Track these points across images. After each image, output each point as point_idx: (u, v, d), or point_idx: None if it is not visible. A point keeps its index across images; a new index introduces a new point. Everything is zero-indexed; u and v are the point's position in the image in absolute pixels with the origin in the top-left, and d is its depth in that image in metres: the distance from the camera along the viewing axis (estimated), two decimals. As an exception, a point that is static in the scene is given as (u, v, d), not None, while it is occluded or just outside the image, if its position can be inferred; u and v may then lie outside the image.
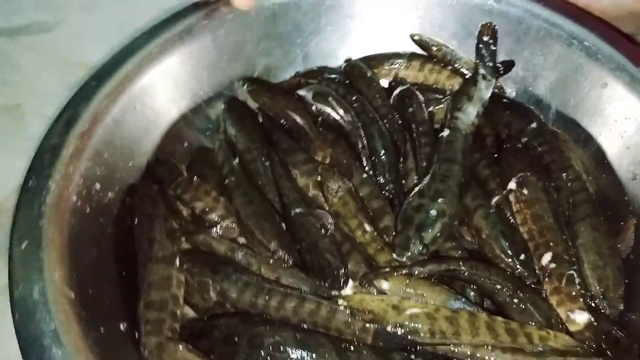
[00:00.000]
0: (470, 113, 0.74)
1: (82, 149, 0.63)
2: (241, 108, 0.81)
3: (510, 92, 0.82)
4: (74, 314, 0.53)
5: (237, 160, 0.73)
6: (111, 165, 0.67)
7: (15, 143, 0.89)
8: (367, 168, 0.75)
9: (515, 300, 0.60)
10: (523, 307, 0.59)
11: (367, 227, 0.67)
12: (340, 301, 0.59)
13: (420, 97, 0.80)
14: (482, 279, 0.61)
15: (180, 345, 0.56)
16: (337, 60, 0.87)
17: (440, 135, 0.72)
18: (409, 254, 0.62)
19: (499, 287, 0.60)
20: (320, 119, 0.80)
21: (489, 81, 0.76)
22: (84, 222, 0.61)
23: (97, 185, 0.65)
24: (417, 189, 0.67)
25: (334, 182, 0.70)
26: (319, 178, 0.72)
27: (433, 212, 0.64)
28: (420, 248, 0.62)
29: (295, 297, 0.60)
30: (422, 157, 0.74)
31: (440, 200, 0.65)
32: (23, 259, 0.54)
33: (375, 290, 0.62)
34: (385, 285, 0.60)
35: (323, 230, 0.65)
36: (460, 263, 0.62)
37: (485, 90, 0.75)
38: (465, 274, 0.61)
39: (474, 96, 0.74)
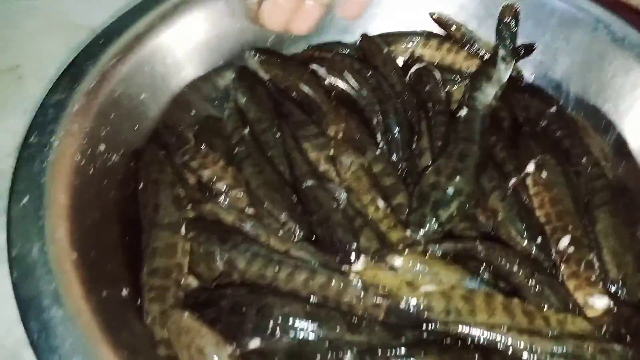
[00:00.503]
0: (488, 94, 0.72)
1: (87, 107, 0.61)
2: (252, 78, 0.78)
3: (529, 76, 0.80)
4: (76, 276, 0.50)
5: (247, 129, 0.70)
6: (117, 127, 0.65)
7: (14, 104, 0.87)
8: (381, 144, 0.73)
9: (532, 283, 0.58)
10: (540, 289, 0.57)
11: (380, 204, 0.64)
12: (353, 275, 0.57)
13: (438, 75, 0.78)
14: (499, 260, 0.59)
15: (185, 313, 0.53)
16: (353, 36, 0.85)
17: (458, 114, 0.71)
18: (424, 231, 0.60)
19: (515, 268, 0.58)
20: (333, 93, 0.78)
21: (509, 63, 0.73)
22: (88, 182, 0.59)
23: (102, 146, 0.62)
24: (433, 166, 0.66)
25: (347, 156, 0.68)
26: (331, 152, 0.70)
27: (450, 190, 0.63)
28: (436, 226, 0.61)
29: (306, 269, 0.57)
30: (437, 136, 0.72)
31: (457, 178, 0.63)
32: (22, 216, 0.52)
33: (387, 267, 0.59)
34: (397, 262, 0.58)
35: (335, 204, 0.63)
36: (477, 243, 0.60)
37: (504, 72, 0.73)
38: (482, 254, 0.59)
39: (493, 77, 0.73)
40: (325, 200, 0.63)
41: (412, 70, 0.79)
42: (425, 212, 0.61)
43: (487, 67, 0.74)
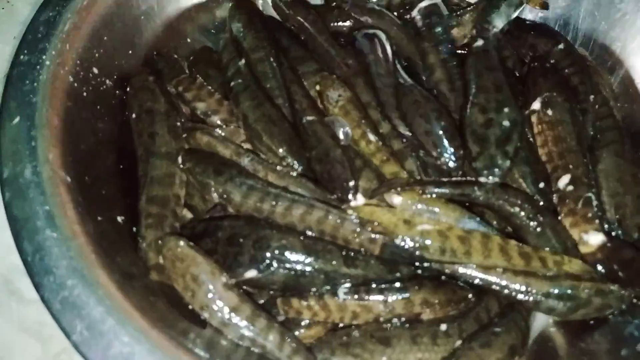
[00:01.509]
0: (499, 24, 0.70)
1: (79, 26, 0.58)
2: (250, 6, 0.75)
3: (537, 13, 0.77)
4: (70, 198, 0.49)
5: (243, 61, 0.67)
6: (110, 50, 0.62)
7: (3, 30, 0.83)
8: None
9: (533, 224, 0.57)
10: (541, 230, 0.57)
11: (372, 137, 0.63)
12: (350, 212, 0.56)
13: (445, 12, 0.74)
14: (500, 202, 0.58)
15: (181, 241, 0.53)
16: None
17: (475, 45, 0.68)
18: (499, 172, 0.58)
19: (517, 209, 0.57)
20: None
21: None
22: (81, 105, 0.57)
23: (95, 69, 0.60)
24: (473, 104, 0.62)
25: (334, 90, 0.66)
26: (317, 87, 0.67)
27: (506, 123, 0.60)
28: (508, 163, 0.58)
29: (303, 203, 0.56)
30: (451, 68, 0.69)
31: (506, 109, 0.61)
32: (14, 135, 0.50)
33: (386, 204, 0.59)
34: (396, 199, 0.57)
35: (334, 140, 0.61)
36: (476, 188, 0.58)
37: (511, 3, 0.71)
38: (481, 198, 0.58)
39: (501, 8, 0.70)
40: (325, 136, 0.61)
41: (422, 5, 0.76)
42: (491, 153, 0.58)
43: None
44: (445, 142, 0.61)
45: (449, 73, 0.68)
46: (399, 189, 0.57)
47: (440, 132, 0.61)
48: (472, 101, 0.62)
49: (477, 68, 0.65)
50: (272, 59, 0.68)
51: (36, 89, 0.52)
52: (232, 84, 0.66)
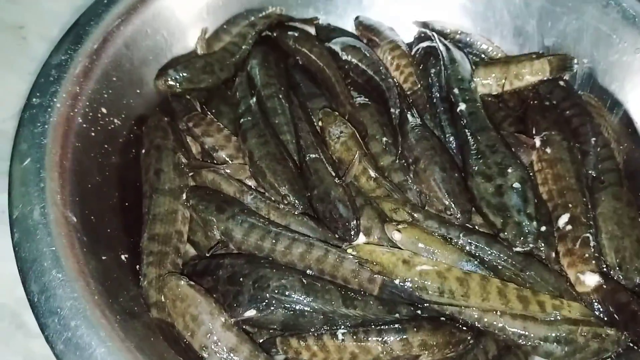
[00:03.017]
0: (467, 79, 0.72)
1: (90, 69, 0.60)
2: (267, 46, 0.77)
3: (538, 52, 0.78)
4: (76, 239, 0.51)
5: (254, 99, 0.69)
6: (119, 90, 0.64)
7: (18, 65, 0.86)
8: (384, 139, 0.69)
9: (521, 279, 0.57)
10: (529, 284, 0.57)
11: (372, 173, 0.64)
12: (350, 250, 0.57)
13: (445, 53, 0.76)
14: (485, 256, 0.58)
15: (182, 281, 0.54)
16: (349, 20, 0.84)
17: (459, 110, 0.69)
18: (532, 237, 0.57)
19: (502, 266, 0.58)
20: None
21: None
22: (89, 145, 0.59)
23: (104, 109, 0.62)
24: (475, 175, 0.62)
25: (336, 126, 0.67)
26: (320, 123, 0.69)
27: (516, 185, 0.60)
28: (535, 224, 0.57)
29: (303, 242, 0.58)
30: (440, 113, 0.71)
31: (510, 169, 0.61)
32: (24, 177, 0.52)
33: (379, 238, 0.60)
34: (397, 236, 0.58)
35: (336, 179, 0.63)
36: (460, 234, 0.59)
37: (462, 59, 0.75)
38: (459, 243, 0.59)
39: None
40: (327, 174, 0.63)
41: (421, 45, 0.78)
42: (517, 221, 0.58)
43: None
44: (456, 197, 0.61)
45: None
46: (399, 225, 0.59)
47: (453, 185, 0.62)
48: (473, 169, 0.62)
49: (467, 133, 0.66)
50: (281, 96, 0.70)
51: (47, 131, 0.54)
52: (242, 120, 0.68)
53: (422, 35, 0.81)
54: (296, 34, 0.79)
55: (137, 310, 0.54)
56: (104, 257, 0.53)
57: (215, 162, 0.68)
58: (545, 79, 0.73)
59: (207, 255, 0.61)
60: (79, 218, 0.53)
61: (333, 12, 0.83)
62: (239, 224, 0.59)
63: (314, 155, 0.65)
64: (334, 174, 0.63)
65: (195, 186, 0.64)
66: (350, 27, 0.83)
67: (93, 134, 0.59)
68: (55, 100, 0.56)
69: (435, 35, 0.79)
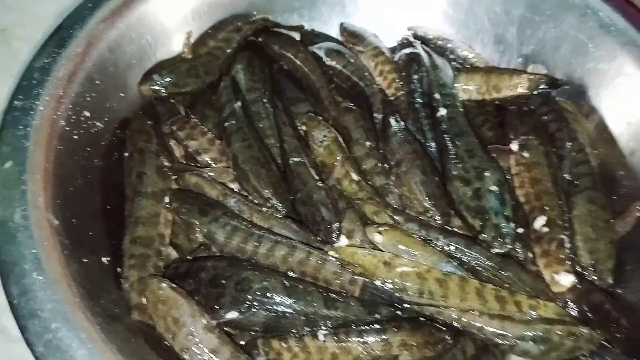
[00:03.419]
0: (448, 85, 0.74)
1: (74, 72, 0.60)
2: (252, 51, 0.78)
3: (517, 59, 0.80)
4: (57, 241, 0.51)
5: (239, 103, 0.70)
6: (102, 94, 0.64)
7: (2, 67, 0.85)
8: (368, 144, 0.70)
9: (498, 280, 0.58)
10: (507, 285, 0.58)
11: (354, 177, 0.65)
12: (332, 253, 0.57)
13: (427, 60, 0.77)
14: (464, 257, 0.59)
15: (163, 283, 0.54)
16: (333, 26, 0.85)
17: (439, 115, 0.70)
18: (509, 238, 0.59)
19: (480, 267, 0.59)
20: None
21: None
22: (71, 149, 0.59)
23: (87, 113, 0.62)
24: (454, 179, 0.64)
25: (319, 130, 0.68)
26: (304, 127, 0.70)
27: (493, 188, 0.62)
28: (513, 225, 0.59)
29: (285, 245, 0.58)
30: (422, 118, 0.72)
31: (486, 173, 0.63)
32: (5, 180, 0.52)
33: (362, 240, 0.60)
34: (378, 238, 0.59)
35: (319, 182, 0.63)
36: (440, 237, 0.60)
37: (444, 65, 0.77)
38: (439, 245, 0.59)
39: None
40: (309, 178, 0.63)
41: (404, 52, 0.79)
42: (494, 223, 0.60)
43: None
44: (436, 200, 0.63)
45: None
46: (380, 228, 0.60)
47: (433, 188, 0.64)
48: (452, 173, 0.64)
49: (447, 138, 0.67)
50: (265, 100, 0.71)
51: (29, 133, 0.54)
52: (226, 124, 0.69)
53: (405, 42, 0.83)
54: (281, 40, 0.80)
55: (119, 312, 0.54)
56: (85, 260, 0.53)
57: (198, 165, 0.68)
58: (521, 94, 0.74)
59: (190, 258, 0.61)
60: (61, 221, 0.53)
61: (317, 19, 0.84)
62: (222, 227, 0.60)
63: (297, 159, 0.65)
64: (316, 178, 0.64)
65: (178, 189, 0.65)
66: (334, 33, 0.84)
67: (76, 137, 0.60)
68: (38, 103, 0.56)
69: (418, 42, 0.80)
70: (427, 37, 0.83)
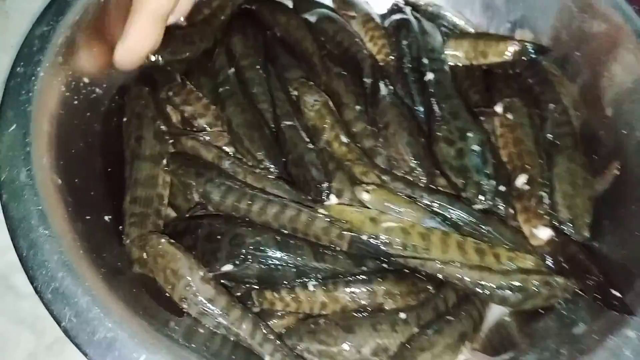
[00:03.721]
0: (437, 50, 0.76)
1: (72, 40, 0.63)
2: (246, 18, 0.80)
3: (505, 24, 0.82)
4: (61, 199, 0.54)
5: (232, 70, 0.72)
6: (100, 60, 0.67)
7: (2, 38, 0.87)
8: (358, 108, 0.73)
9: (478, 234, 0.61)
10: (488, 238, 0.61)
11: (344, 139, 0.67)
12: (321, 210, 0.60)
13: (416, 27, 0.79)
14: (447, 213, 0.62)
15: (163, 239, 0.58)
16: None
17: (427, 79, 0.72)
18: (489, 195, 0.62)
19: (463, 222, 0.62)
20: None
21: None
22: (72, 113, 0.61)
23: (86, 79, 0.64)
24: (439, 139, 0.66)
25: (311, 95, 0.71)
26: (295, 92, 0.72)
27: (475, 147, 0.64)
28: (494, 183, 0.62)
29: (277, 203, 0.61)
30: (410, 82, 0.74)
31: (469, 133, 0.65)
32: (10, 142, 0.55)
33: (351, 199, 0.63)
34: (365, 196, 0.62)
35: (310, 145, 0.66)
36: (425, 194, 0.62)
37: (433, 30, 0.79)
38: (424, 202, 0.62)
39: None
40: (300, 140, 0.66)
41: (393, 17, 0.81)
42: (476, 180, 0.62)
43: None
44: (421, 160, 0.66)
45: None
46: (368, 187, 0.62)
47: (419, 149, 0.66)
48: (437, 135, 0.66)
49: (433, 101, 0.70)
50: (259, 67, 0.73)
51: (31, 98, 0.57)
52: (221, 90, 0.71)
53: (395, 7, 0.84)
54: (274, 7, 0.81)
55: (121, 266, 0.58)
56: (88, 217, 0.57)
57: (195, 129, 0.71)
58: (506, 60, 0.76)
59: (187, 216, 0.65)
60: (64, 181, 0.56)
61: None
62: (217, 187, 0.63)
63: (289, 123, 0.68)
64: (307, 140, 0.66)
65: (175, 152, 0.68)
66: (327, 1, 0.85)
67: (76, 102, 0.62)
68: (39, 69, 0.59)
69: (408, 8, 0.82)
70: (418, 3, 0.85)
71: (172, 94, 0.71)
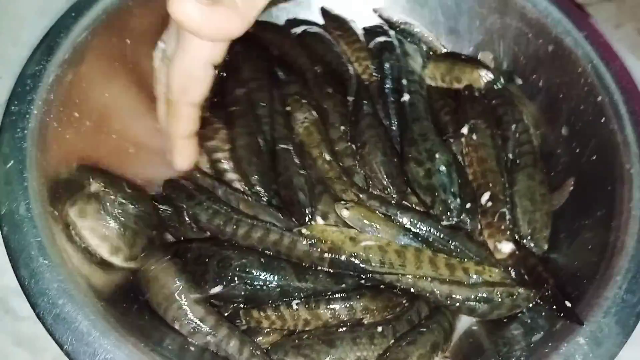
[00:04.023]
0: (417, 72, 0.82)
1: (62, 78, 0.66)
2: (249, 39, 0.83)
3: (468, 48, 0.88)
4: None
5: (243, 90, 0.76)
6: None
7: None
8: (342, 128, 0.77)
9: (446, 249, 0.66)
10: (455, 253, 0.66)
11: (327, 157, 0.72)
12: (304, 230, 0.65)
13: (398, 49, 0.84)
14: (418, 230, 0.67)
15: (153, 265, 0.62)
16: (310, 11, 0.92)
17: (402, 100, 0.78)
18: (455, 212, 0.66)
19: (432, 238, 0.66)
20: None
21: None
22: (64, 146, 0.65)
23: (76, 114, 0.68)
24: (409, 159, 0.71)
25: (302, 112, 0.76)
26: (287, 108, 0.77)
27: (442, 168, 0.69)
28: (459, 201, 0.67)
29: (261, 227, 0.66)
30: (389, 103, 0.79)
31: (437, 155, 0.70)
32: (9, 177, 0.58)
33: (336, 221, 0.68)
34: (345, 213, 0.66)
35: (300, 168, 0.70)
36: (398, 212, 0.67)
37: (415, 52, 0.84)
38: (397, 219, 0.67)
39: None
40: (292, 164, 0.70)
41: (377, 39, 0.86)
42: (443, 199, 0.67)
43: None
44: (393, 179, 0.71)
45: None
46: (347, 205, 0.67)
47: (391, 168, 0.71)
48: (408, 156, 0.71)
49: (405, 123, 0.75)
50: (266, 89, 0.77)
51: (26, 135, 0.60)
52: (233, 109, 0.75)
53: (379, 30, 0.89)
54: (269, 28, 0.87)
55: (117, 293, 0.61)
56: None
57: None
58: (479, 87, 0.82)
59: (176, 240, 0.69)
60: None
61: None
62: (204, 210, 0.67)
63: (283, 146, 0.73)
64: (298, 164, 0.71)
65: (169, 179, 0.72)
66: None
67: (67, 136, 0.66)
68: (32, 107, 0.62)
69: (392, 31, 0.88)
70: (392, 20, 0.90)
71: None
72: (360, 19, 0.92)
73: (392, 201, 0.70)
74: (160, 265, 0.62)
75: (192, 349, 0.59)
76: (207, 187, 0.71)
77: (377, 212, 0.68)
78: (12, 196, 0.57)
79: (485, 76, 0.81)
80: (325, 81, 0.82)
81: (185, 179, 0.72)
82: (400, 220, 0.67)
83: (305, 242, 0.64)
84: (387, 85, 0.81)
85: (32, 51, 0.67)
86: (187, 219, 0.68)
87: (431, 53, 0.88)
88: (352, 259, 0.64)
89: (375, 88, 0.82)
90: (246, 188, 0.71)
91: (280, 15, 0.92)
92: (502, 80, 0.81)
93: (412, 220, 0.67)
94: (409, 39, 0.89)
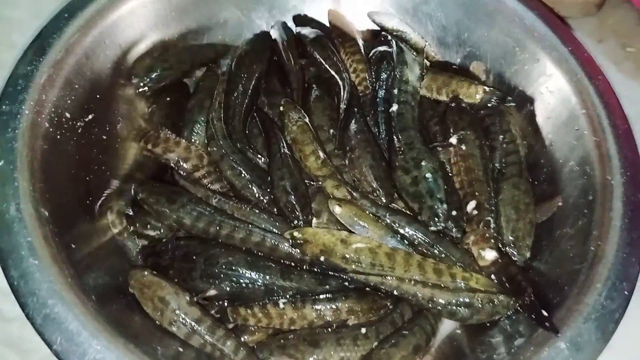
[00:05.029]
0: (412, 82, 0.82)
1: (54, 78, 0.67)
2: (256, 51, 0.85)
3: (457, 60, 0.89)
4: (48, 230, 0.58)
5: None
6: (81, 96, 0.71)
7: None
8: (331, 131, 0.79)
9: (430, 253, 0.68)
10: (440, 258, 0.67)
11: (320, 154, 0.74)
12: (296, 233, 0.66)
13: (396, 58, 0.84)
14: (405, 232, 0.68)
15: (146, 271, 0.64)
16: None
17: (391, 110, 0.79)
18: (442, 217, 0.68)
19: (418, 241, 0.68)
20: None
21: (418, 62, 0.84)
22: (56, 147, 0.65)
23: (67, 114, 0.68)
24: (397, 168, 0.73)
25: (295, 112, 0.77)
26: (281, 108, 0.78)
27: (428, 175, 0.71)
28: (446, 206, 0.69)
29: (243, 229, 0.67)
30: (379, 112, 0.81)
31: (423, 162, 0.72)
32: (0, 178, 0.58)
33: (328, 219, 0.70)
34: (337, 209, 0.68)
35: (300, 177, 0.73)
36: (386, 214, 0.69)
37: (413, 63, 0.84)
38: (387, 221, 0.69)
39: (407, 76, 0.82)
40: (287, 172, 0.72)
41: (378, 48, 0.87)
42: (430, 205, 0.69)
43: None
44: (381, 182, 0.72)
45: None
46: (340, 202, 0.68)
47: (380, 172, 0.73)
48: (395, 164, 0.73)
49: (393, 130, 0.76)
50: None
51: (17, 136, 0.61)
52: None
53: (382, 39, 0.89)
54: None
55: (108, 291, 0.62)
56: (73, 246, 0.61)
57: (183, 173, 0.75)
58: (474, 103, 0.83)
59: (164, 239, 0.70)
60: (50, 212, 0.60)
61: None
62: (188, 213, 0.68)
63: (279, 155, 0.74)
64: (293, 169, 0.72)
65: (142, 181, 0.73)
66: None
67: (58, 136, 0.66)
68: (23, 107, 0.63)
69: (394, 42, 0.87)
70: (386, 26, 0.90)
71: (151, 145, 0.76)
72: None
73: (381, 203, 0.71)
74: (149, 272, 0.64)
75: (182, 349, 0.60)
76: (202, 197, 0.72)
77: (367, 212, 0.69)
78: (2, 197, 0.58)
79: (482, 94, 0.82)
80: (318, 83, 0.84)
81: (157, 180, 0.73)
82: (389, 221, 0.68)
83: (286, 245, 0.66)
84: (379, 95, 0.83)
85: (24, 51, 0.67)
86: (171, 223, 0.69)
87: (428, 63, 0.89)
88: (344, 259, 0.65)
89: (369, 98, 0.84)
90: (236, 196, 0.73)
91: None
92: (496, 99, 0.82)
93: (400, 223, 0.68)
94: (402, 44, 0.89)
